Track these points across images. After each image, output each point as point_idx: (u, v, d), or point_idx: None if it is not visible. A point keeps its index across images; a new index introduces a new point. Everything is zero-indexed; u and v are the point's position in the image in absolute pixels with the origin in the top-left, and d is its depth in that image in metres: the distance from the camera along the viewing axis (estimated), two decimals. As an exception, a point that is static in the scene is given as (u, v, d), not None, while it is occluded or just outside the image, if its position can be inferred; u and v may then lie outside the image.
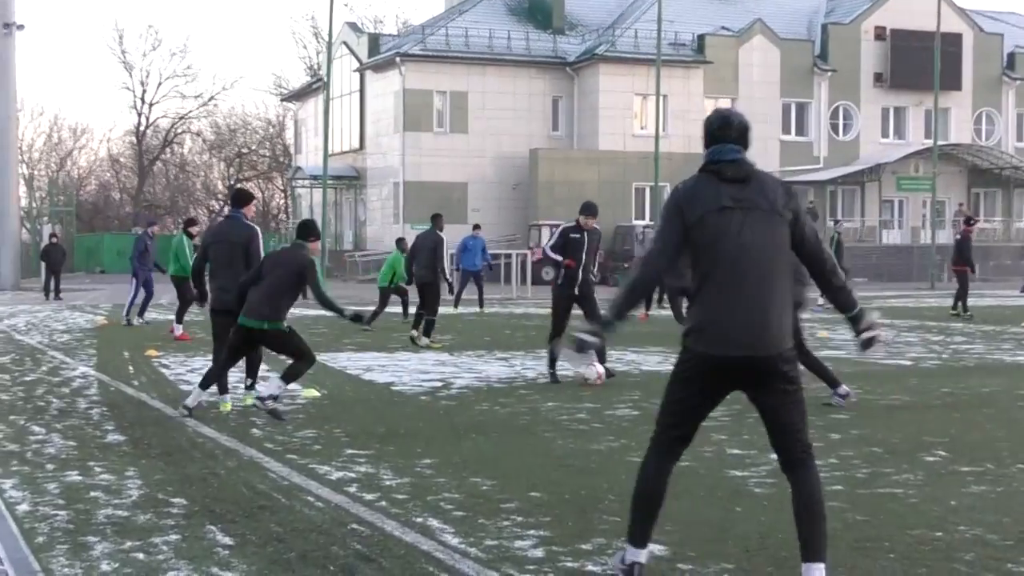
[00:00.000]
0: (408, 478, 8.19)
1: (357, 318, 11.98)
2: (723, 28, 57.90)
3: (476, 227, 32.87)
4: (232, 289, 11.23)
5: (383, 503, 7.40)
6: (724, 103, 56.72)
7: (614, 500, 7.42)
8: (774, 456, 8.41)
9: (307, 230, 11.56)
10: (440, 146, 54.70)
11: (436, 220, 20.10)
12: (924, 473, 8.39)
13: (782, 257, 5.46)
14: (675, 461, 5.72)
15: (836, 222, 39.24)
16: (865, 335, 5.59)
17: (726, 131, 5.65)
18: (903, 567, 5.92)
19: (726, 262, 5.40)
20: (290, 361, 11.10)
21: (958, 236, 28.10)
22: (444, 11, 64.12)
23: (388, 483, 8.04)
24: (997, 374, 14.83)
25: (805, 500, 5.44)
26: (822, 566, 5.34)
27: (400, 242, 24.58)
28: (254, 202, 11.90)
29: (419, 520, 6.90)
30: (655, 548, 6.22)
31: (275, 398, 10.76)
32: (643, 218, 52.33)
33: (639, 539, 5.63)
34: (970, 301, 26.76)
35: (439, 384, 13.92)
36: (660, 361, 16.05)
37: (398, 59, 54.87)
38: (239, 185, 13.57)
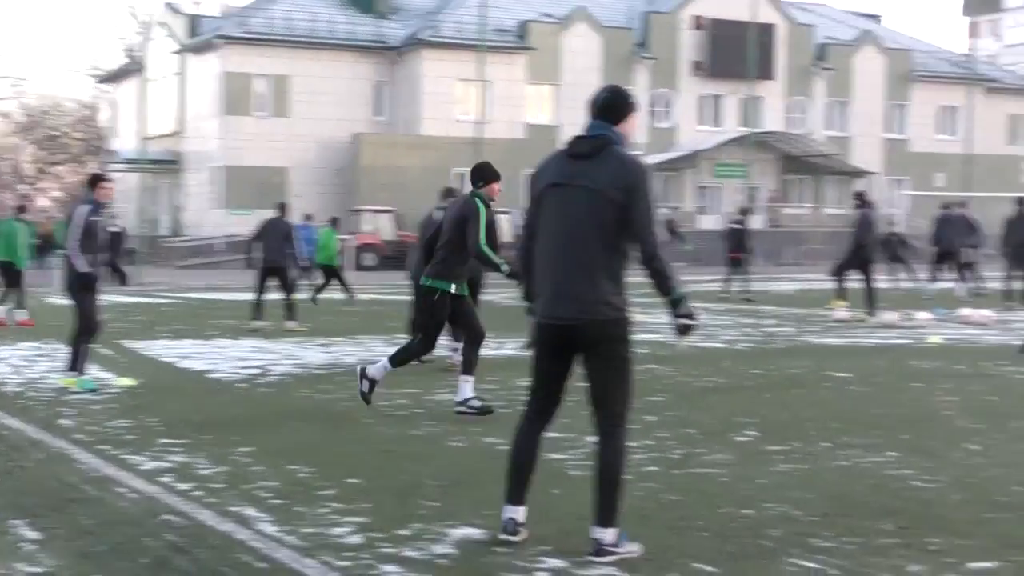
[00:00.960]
0: (224, 467, 8.06)
1: (514, 275, 10.83)
2: (546, 15, 58.26)
3: (308, 216, 32.71)
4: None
5: (198, 493, 7.26)
6: (546, 89, 57.44)
7: (433, 485, 7.45)
8: (589, 437, 8.55)
9: (479, 173, 10.62)
10: (261, 130, 54.02)
11: (283, 208, 20.04)
12: (735, 453, 8.61)
13: (601, 233, 5.58)
14: (543, 425, 6.06)
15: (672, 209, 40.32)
16: (681, 322, 5.74)
17: (591, 108, 5.83)
18: (715, 544, 6.05)
19: (549, 235, 5.73)
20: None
21: (736, 225, 29.28)
22: (266, -7, 63.30)
23: (204, 472, 7.90)
24: (805, 356, 15.28)
25: (600, 468, 5.73)
26: (603, 530, 5.65)
27: (335, 221, 27.73)
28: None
29: (235, 509, 6.80)
30: (474, 532, 6.27)
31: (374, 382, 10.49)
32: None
33: (514, 498, 5.98)
34: (779, 285, 27.53)
35: (257, 371, 13.72)
36: (495, 348, 16.09)
37: (218, 41, 53.93)
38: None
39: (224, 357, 15.19)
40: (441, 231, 10.60)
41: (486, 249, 10.05)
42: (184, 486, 7.45)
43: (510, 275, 9.96)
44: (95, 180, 12.17)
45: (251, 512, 6.73)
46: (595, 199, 5.58)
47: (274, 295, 19.15)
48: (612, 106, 5.80)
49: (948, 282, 27.78)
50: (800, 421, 9.95)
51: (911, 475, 7.82)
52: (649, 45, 60.11)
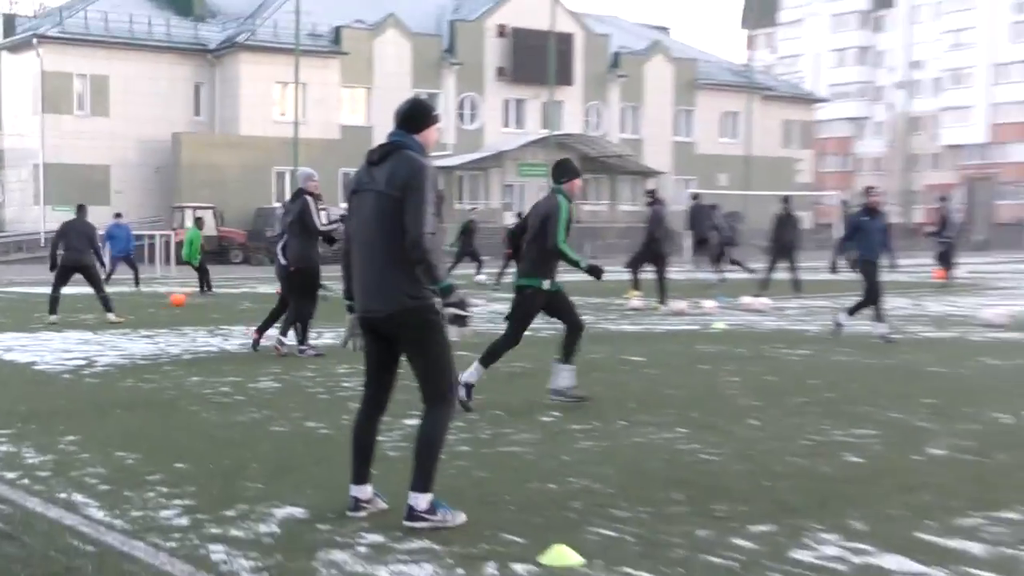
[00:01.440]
0: (51, 455, 7.82)
1: (593, 270, 10.18)
2: (358, 21, 57.85)
3: (117, 215, 32.02)
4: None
5: (25, 481, 7.04)
6: (360, 92, 57.06)
7: (257, 468, 7.38)
8: (408, 421, 8.59)
9: (561, 170, 9.97)
10: (82, 129, 52.28)
11: (82, 210, 19.50)
12: (540, 432, 8.72)
13: (391, 231, 5.68)
14: (379, 411, 6.17)
15: (472, 209, 40.40)
16: (448, 310, 5.83)
17: (395, 118, 5.96)
18: (523, 517, 6.14)
19: (355, 237, 5.90)
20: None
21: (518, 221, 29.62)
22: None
23: (30, 461, 7.64)
24: (603, 342, 15.51)
25: (419, 437, 5.90)
26: (416, 496, 5.82)
27: (198, 221, 27.99)
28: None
29: (63, 496, 6.62)
30: (297, 512, 6.24)
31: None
32: (285, 198, 51.62)
33: (358, 478, 6.12)
34: (578, 276, 27.73)
35: (83, 362, 13.32)
36: (314, 337, 15.97)
37: (35, 41, 51.97)
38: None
39: (49, 349, 14.71)
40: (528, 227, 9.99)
41: (564, 246, 9.63)
42: (10, 475, 7.21)
43: (589, 270, 9.92)
44: None
45: (79, 498, 6.56)
46: (382, 200, 5.71)
47: (84, 291, 18.64)
48: (411, 117, 5.91)
49: (733, 273, 28.59)
50: (599, 402, 10.10)
51: (699, 449, 8.05)
52: (456, 51, 60.17)
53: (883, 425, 8.98)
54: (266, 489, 6.81)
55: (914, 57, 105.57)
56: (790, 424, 9.06)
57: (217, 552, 5.52)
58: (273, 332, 14.09)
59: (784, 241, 24.98)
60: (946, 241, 30.20)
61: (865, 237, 15.12)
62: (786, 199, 25.96)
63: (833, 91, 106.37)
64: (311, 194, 13.76)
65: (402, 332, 5.81)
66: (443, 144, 59.31)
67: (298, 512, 6.25)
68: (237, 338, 16.10)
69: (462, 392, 8.93)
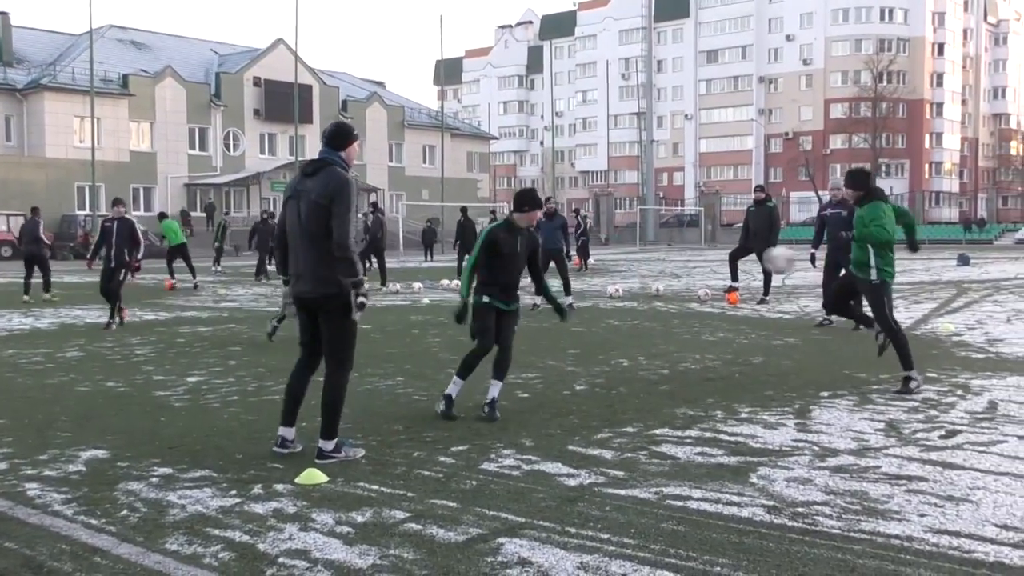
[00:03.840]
0: None
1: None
2: (142, 70, 54.76)
3: None
4: None
5: None
6: (145, 125, 54.19)
7: (65, 420, 6.84)
8: (190, 379, 8.16)
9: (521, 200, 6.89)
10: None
11: None
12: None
13: (319, 231, 5.46)
14: (310, 369, 5.78)
15: (226, 213, 38.89)
16: (359, 300, 5.60)
17: (322, 138, 5.72)
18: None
19: (291, 233, 5.61)
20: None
21: (260, 224, 28.60)
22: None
23: None
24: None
25: (324, 396, 5.63)
26: (324, 441, 5.59)
27: (161, 215, 24.55)
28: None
29: None
30: (100, 453, 5.82)
31: None
32: (84, 209, 48.33)
33: (287, 421, 5.77)
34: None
35: (-89, 341, 11.98)
36: (99, 315, 14.95)
37: None
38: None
39: None
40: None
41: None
42: None
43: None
44: None
45: (-90, 452, 5.88)
46: (313, 206, 5.46)
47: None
48: (336, 136, 5.63)
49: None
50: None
51: (412, 392, 8.04)
52: (221, 96, 57.78)
53: (543, 370, 9.23)
54: (73, 436, 6.32)
55: (557, 108, 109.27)
56: (478, 371, 9.08)
57: (33, 489, 5.07)
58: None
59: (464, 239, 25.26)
60: (583, 239, 31.40)
61: (546, 234, 15.61)
62: (464, 209, 26.31)
63: (501, 131, 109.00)
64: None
65: (323, 310, 5.55)
66: (213, 167, 56.95)
67: (101, 453, 5.82)
68: (48, 318, 14.88)
69: (442, 405, 6.96)
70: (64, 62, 53.02)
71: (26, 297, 18.10)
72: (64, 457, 5.75)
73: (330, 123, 5.92)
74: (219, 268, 29.77)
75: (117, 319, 13.31)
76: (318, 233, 5.47)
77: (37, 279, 18.76)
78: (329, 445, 5.63)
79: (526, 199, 6.85)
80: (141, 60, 56.64)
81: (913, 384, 7.66)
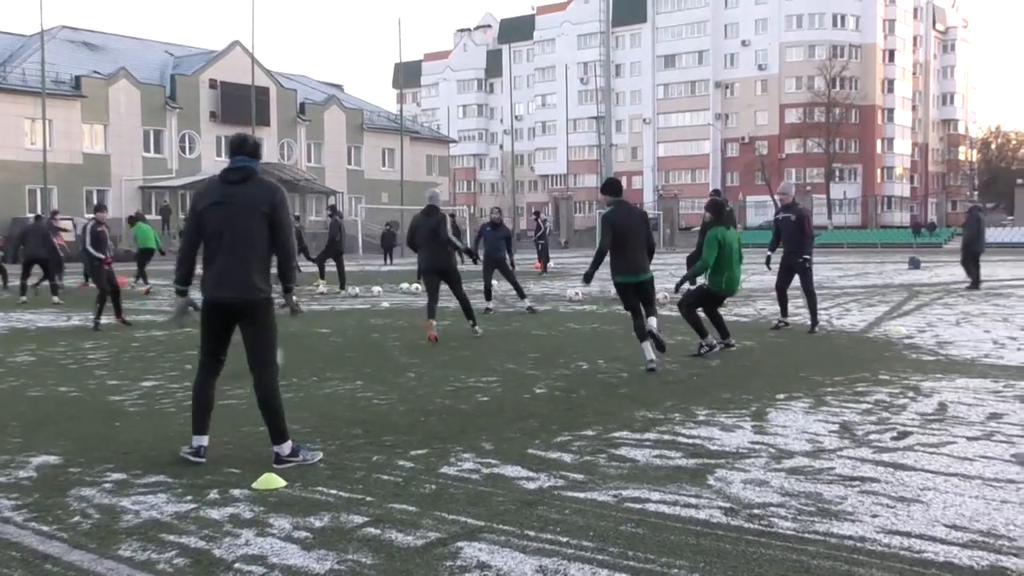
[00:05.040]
0: None
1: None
2: (95, 72, 53.77)
3: None
4: None
5: None
6: (99, 127, 53.31)
7: (16, 426, 6.73)
8: (144, 384, 8.05)
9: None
10: None
11: None
12: (249, 388, 8.33)
13: (251, 238, 5.47)
14: (214, 374, 5.73)
15: (297, 217, 38.72)
16: (292, 301, 6.21)
17: (242, 148, 5.67)
18: (238, 453, 5.92)
19: (215, 240, 5.49)
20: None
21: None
22: None
23: None
24: (297, 318, 15.07)
25: (260, 401, 5.62)
26: (278, 446, 5.56)
27: (137, 214, 24.97)
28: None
29: None
30: (51, 459, 5.73)
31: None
32: (36, 211, 47.49)
33: (199, 429, 5.66)
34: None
35: None
36: (51, 320, 14.70)
37: None
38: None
39: None
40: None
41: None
42: None
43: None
44: None
45: None
46: (254, 214, 5.45)
47: None
48: (252, 147, 5.70)
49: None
50: (296, 364, 9.85)
51: (372, 396, 8.01)
52: (177, 98, 56.97)
53: (502, 373, 9.23)
54: (24, 442, 6.20)
55: (516, 112, 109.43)
56: (438, 375, 9.16)
57: (-18, 497, 4.97)
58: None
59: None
60: (542, 242, 31.50)
61: (489, 243, 16.05)
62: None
63: (461, 135, 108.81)
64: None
65: (248, 314, 5.53)
66: (168, 169, 56.22)
67: (52, 459, 5.73)
68: (-4, 323, 14.61)
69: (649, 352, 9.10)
70: (14, 63, 51.92)
71: (23, 298, 18.81)
72: (15, 463, 5.64)
73: (237, 133, 5.95)
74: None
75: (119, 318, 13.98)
76: (254, 240, 5.48)
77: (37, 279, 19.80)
78: (285, 449, 5.58)
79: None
80: (94, 61, 55.62)
81: (703, 350, 10.06)
